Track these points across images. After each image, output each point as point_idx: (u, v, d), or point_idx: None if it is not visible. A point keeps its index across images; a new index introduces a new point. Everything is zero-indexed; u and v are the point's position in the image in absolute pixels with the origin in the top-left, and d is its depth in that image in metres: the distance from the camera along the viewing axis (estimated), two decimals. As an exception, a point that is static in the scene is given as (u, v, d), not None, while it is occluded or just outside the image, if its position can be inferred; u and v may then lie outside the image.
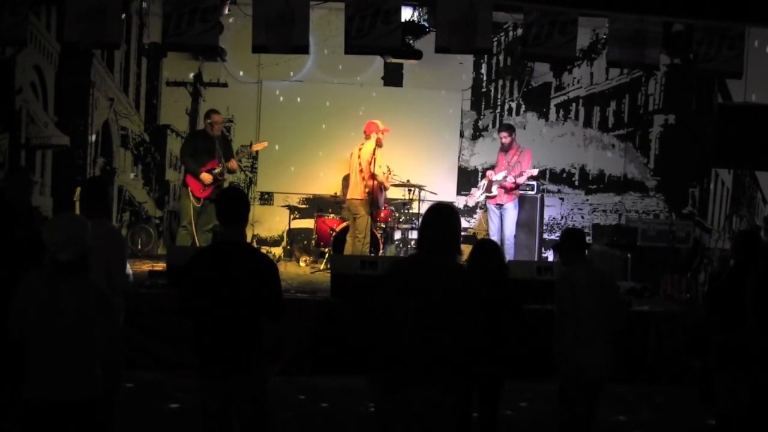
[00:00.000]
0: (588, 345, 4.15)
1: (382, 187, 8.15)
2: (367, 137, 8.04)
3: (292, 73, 9.60)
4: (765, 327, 4.25)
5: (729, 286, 4.47)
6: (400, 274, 3.41)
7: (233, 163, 7.99)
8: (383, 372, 3.31)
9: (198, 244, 7.64)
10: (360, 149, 8.07)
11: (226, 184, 8.08)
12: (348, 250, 8.04)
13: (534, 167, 8.55)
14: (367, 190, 7.95)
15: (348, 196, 8.14)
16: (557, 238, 9.85)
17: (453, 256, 3.42)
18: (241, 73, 9.54)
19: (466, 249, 9.43)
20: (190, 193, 7.79)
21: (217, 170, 7.82)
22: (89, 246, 3.27)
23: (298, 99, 9.61)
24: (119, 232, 4.44)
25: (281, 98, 9.62)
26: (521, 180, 8.36)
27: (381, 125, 8.05)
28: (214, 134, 7.90)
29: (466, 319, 3.26)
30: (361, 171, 7.98)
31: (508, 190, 8.40)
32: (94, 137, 9.27)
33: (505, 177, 8.34)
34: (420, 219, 3.59)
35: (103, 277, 3.95)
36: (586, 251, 4.56)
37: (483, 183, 8.67)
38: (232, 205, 3.64)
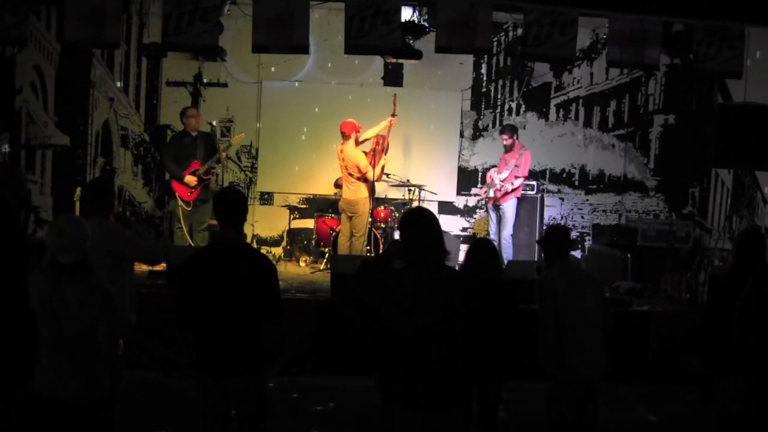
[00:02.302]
0: (577, 347, 4.09)
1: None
2: (347, 137, 8.04)
3: (292, 73, 9.59)
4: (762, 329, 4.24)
5: (730, 288, 4.45)
6: (390, 287, 3.23)
7: (221, 154, 7.93)
8: (382, 392, 3.23)
9: (192, 245, 7.63)
10: (342, 150, 8.10)
11: (226, 184, 8.08)
12: (342, 251, 8.03)
13: (532, 168, 8.55)
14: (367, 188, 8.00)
15: (344, 196, 8.16)
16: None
17: (444, 261, 3.31)
18: (241, 73, 9.53)
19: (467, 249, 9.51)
20: (179, 198, 7.78)
21: (201, 170, 7.78)
22: (87, 248, 3.27)
23: (298, 99, 9.60)
24: (119, 225, 4.46)
25: (281, 98, 9.62)
26: (511, 187, 8.33)
27: (356, 123, 8.10)
28: (194, 132, 7.86)
29: (464, 329, 3.20)
30: (350, 174, 8.01)
31: (503, 194, 8.38)
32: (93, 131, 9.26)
33: (503, 180, 8.32)
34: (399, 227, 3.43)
35: (106, 275, 3.97)
36: (570, 251, 4.44)
37: (489, 180, 8.66)
38: (230, 205, 3.63)
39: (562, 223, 9.95)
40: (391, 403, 3.20)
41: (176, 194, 7.78)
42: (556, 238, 4.37)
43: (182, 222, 7.79)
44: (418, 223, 3.33)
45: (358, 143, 8.12)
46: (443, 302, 3.16)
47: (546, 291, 4.18)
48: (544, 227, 9.08)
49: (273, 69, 9.50)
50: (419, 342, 3.13)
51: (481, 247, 4.52)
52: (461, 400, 3.28)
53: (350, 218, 8.10)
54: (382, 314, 3.20)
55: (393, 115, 8.16)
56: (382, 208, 8.77)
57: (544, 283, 4.25)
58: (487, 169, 9.15)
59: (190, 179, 7.71)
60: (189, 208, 7.79)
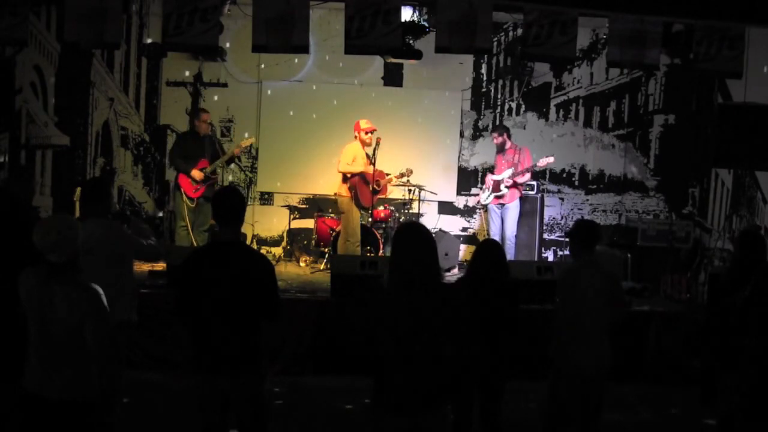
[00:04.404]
0: (584, 342, 4.13)
1: (367, 184, 8.06)
2: (355, 137, 8.07)
3: (292, 73, 9.60)
4: (763, 329, 4.24)
5: (731, 287, 4.45)
6: (382, 311, 3.19)
7: (237, 149, 7.94)
8: (372, 398, 3.25)
9: (195, 244, 7.63)
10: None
11: (226, 183, 8.07)
12: (340, 251, 8.03)
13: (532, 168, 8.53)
14: (348, 185, 7.97)
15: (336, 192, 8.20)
16: (558, 238, 9.91)
17: (438, 281, 3.24)
18: (241, 73, 9.54)
19: (467, 249, 9.51)
20: (183, 194, 7.79)
21: (208, 169, 7.79)
22: (79, 247, 3.26)
23: (298, 99, 9.61)
24: (118, 224, 4.46)
25: (281, 98, 9.62)
26: (525, 178, 8.34)
27: (364, 124, 8.04)
28: (203, 134, 7.90)
29: (456, 342, 3.18)
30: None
31: (514, 185, 8.35)
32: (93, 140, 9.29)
33: (513, 174, 8.30)
34: (395, 239, 3.32)
35: (106, 275, 3.97)
36: (595, 246, 4.43)
37: (488, 185, 8.60)
38: (228, 205, 3.62)
39: (562, 223, 9.95)
40: (379, 408, 3.21)
41: (182, 190, 7.78)
42: (580, 232, 4.39)
43: (186, 220, 7.80)
44: (410, 240, 3.24)
45: (365, 144, 8.07)
46: (435, 325, 3.13)
47: (564, 283, 4.23)
48: (544, 227, 9.09)
49: (272, 68, 9.50)
50: (410, 359, 3.12)
51: (489, 248, 4.50)
52: (448, 399, 3.28)
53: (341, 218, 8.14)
54: (375, 334, 3.18)
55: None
56: (382, 208, 8.76)
57: (565, 275, 4.30)
58: (487, 170, 9.15)
59: (197, 173, 7.73)
60: (192, 205, 7.79)
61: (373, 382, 3.24)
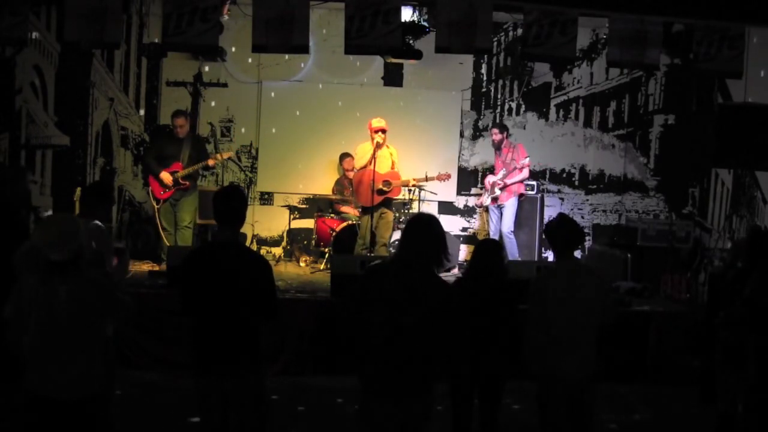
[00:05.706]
0: (567, 347, 4.01)
1: (370, 183, 8.00)
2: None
3: (292, 73, 9.59)
4: (764, 328, 4.24)
5: (735, 285, 4.44)
6: (375, 282, 3.33)
7: (211, 161, 7.86)
8: (360, 379, 3.32)
9: (168, 244, 7.62)
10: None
11: (227, 184, 8.05)
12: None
13: (532, 168, 8.56)
14: (350, 189, 8.03)
15: None
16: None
17: (432, 269, 3.35)
18: (241, 73, 9.53)
19: (468, 249, 9.51)
20: (151, 194, 7.79)
21: (180, 173, 7.73)
22: (82, 245, 3.26)
23: (298, 99, 9.60)
24: (105, 230, 4.44)
25: (281, 98, 9.62)
26: (517, 178, 8.37)
27: (374, 123, 7.99)
28: (181, 137, 7.85)
29: (440, 334, 3.23)
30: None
31: (506, 187, 8.40)
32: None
33: (504, 176, 8.36)
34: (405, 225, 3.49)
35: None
36: (573, 247, 4.28)
37: (487, 187, 8.64)
38: (229, 206, 3.62)
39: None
40: (369, 393, 3.27)
41: (150, 190, 7.80)
42: (555, 234, 4.22)
43: (158, 220, 7.76)
44: (419, 227, 3.37)
45: (375, 143, 8.03)
46: (422, 305, 3.20)
47: (539, 290, 4.11)
48: (544, 226, 9.08)
49: (272, 68, 9.50)
50: (395, 337, 3.19)
51: (488, 247, 4.49)
52: (432, 386, 3.32)
53: None
54: (364, 308, 3.27)
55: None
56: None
57: (539, 282, 4.20)
58: (486, 171, 9.15)
59: (166, 177, 7.68)
60: (158, 206, 7.77)
61: (362, 367, 3.29)
